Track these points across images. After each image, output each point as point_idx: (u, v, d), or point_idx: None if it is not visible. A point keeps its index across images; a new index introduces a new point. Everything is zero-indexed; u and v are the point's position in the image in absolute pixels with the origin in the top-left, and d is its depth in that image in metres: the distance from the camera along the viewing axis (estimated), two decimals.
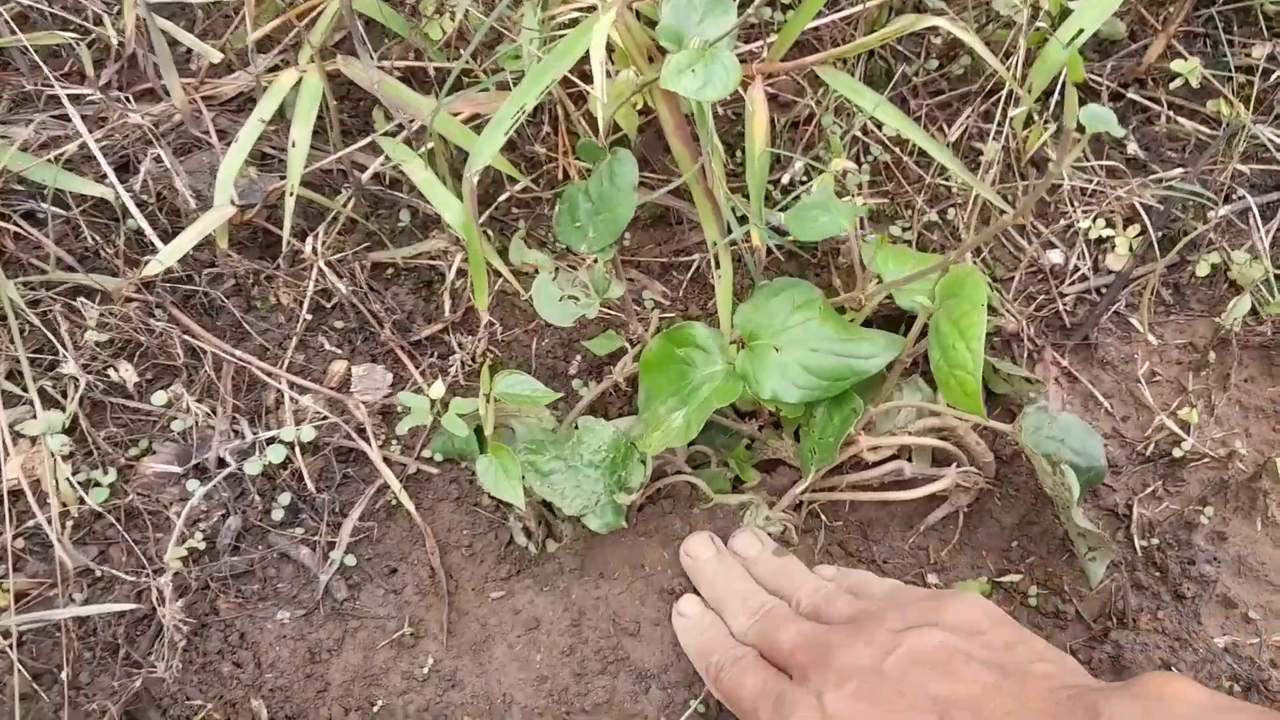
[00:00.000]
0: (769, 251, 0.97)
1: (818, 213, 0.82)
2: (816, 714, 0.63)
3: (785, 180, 0.99)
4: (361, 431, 0.88)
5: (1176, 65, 0.95)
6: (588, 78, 0.97)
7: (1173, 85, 0.97)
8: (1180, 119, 1.02)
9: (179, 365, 0.90)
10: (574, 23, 0.89)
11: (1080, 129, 0.59)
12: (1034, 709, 0.56)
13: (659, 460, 0.90)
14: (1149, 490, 0.88)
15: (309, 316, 0.94)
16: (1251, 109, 0.97)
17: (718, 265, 0.91)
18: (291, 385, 0.91)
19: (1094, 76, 1.03)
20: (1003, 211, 0.98)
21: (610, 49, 0.93)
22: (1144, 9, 1.07)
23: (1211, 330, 0.93)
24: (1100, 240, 0.96)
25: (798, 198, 0.98)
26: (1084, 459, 0.82)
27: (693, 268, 1.00)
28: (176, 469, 0.86)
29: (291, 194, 0.88)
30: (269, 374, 0.91)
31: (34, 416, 0.83)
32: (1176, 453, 0.87)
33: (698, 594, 0.82)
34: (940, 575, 0.87)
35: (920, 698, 0.60)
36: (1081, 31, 0.87)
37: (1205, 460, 0.88)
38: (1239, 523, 0.86)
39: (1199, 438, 0.89)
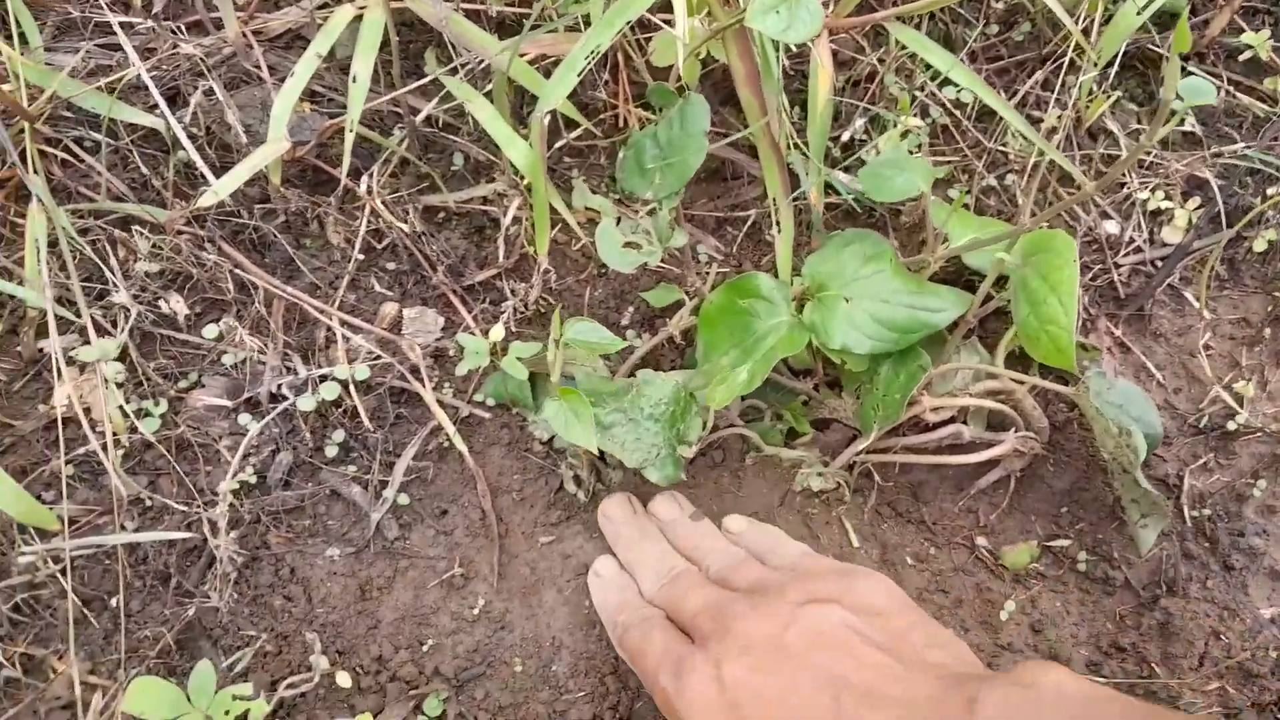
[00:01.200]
0: (828, 208, 0.97)
1: (892, 172, 0.81)
2: (713, 682, 0.64)
3: (845, 138, 0.98)
4: (415, 372, 0.88)
5: (1246, 37, 0.94)
6: (646, 28, 0.96)
7: (1241, 58, 0.97)
8: (1239, 94, 1.01)
9: (229, 300, 0.89)
10: None
11: (1178, 99, 0.59)
12: (920, 695, 0.58)
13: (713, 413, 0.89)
14: (1200, 462, 0.88)
15: (361, 256, 0.93)
16: None
17: (777, 220, 0.90)
18: (343, 324, 0.90)
19: (1153, 48, 1.02)
20: (1062, 178, 0.98)
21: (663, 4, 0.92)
22: None
23: (1266, 306, 0.93)
24: (1157, 213, 0.96)
25: (857, 156, 0.97)
26: (1142, 425, 0.82)
27: (748, 223, 0.99)
28: (227, 402, 0.85)
29: (352, 130, 0.87)
30: (321, 311, 0.90)
31: (87, 344, 0.82)
32: (1230, 426, 0.88)
33: (614, 555, 0.83)
34: (990, 538, 0.87)
35: (815, 675, 0.62)
36: (1151, 1, 0.86)
37: (1258, 434, 0.88)
38: None
39: (1252, 412, 0.89)
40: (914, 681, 0.60)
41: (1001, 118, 0.97)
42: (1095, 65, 0.89)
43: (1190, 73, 0.99)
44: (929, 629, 0.66)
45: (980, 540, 0.87)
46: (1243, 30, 0.98)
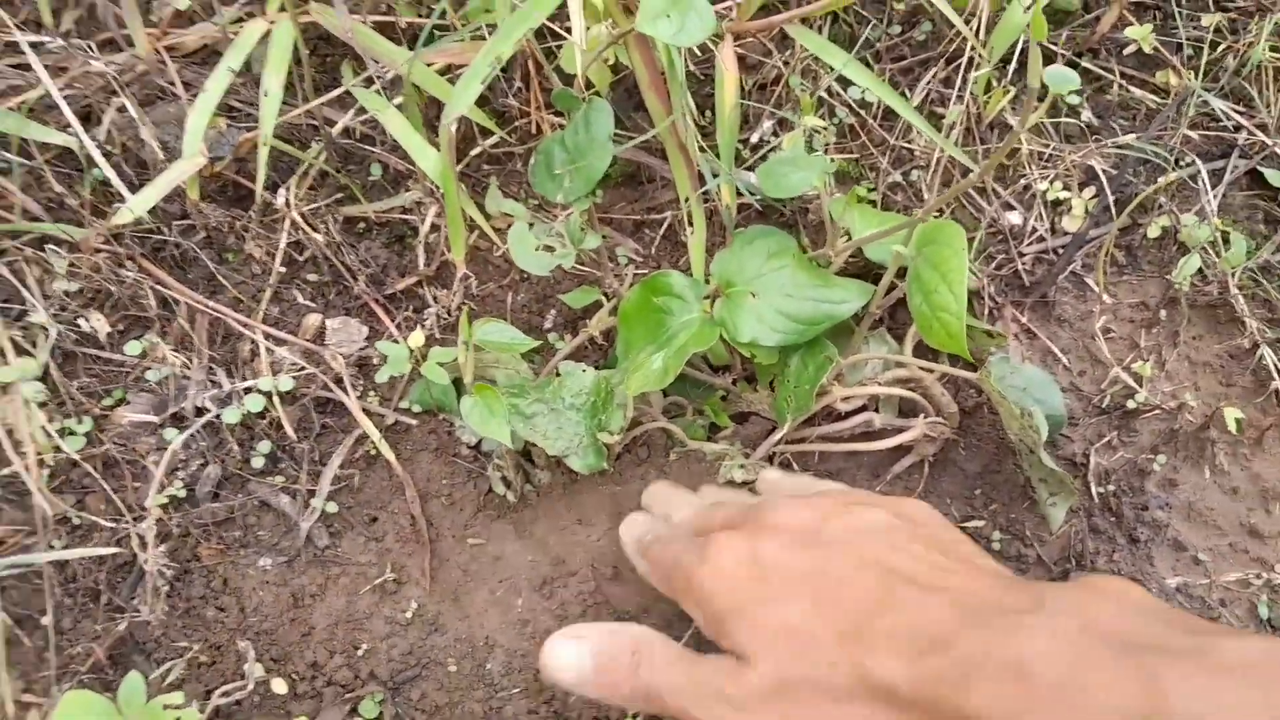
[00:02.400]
0: (740, 209, 0.99)
1: (788, 169, 0.84)
2: (741, 554, 0.59)
3: (754, 139, 1.01)
4: (339, 382, 0.89)
5: (1130, 31, 0.99)
6: (557, 35, 0.98)
7: (1126, 52, 1.01)
8: (1131, 88, 1.05)
9: (151, 316, 0.89)
10: None
11: (1044, 88, 0.62)
12: (980, 587, 0.54)
13: (635, 412, 0.92)
14: (1104, 440, 0.92)
15: (282, 269, 0.94)
16: (1200, 78, 1.01)
17: (690, 221, 0.93)
18: (267, 336, 0.91)
19: (1049, 45, 1.06)
20: (965, 173, 1.01)
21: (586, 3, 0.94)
22: None
23: (1162, 290, 0.97)
24: (1057, 203, 1.00)
25: (765, 156, 1.00)
26: (1046, 407, 0.85)
27: (664, 225, 1.01)
28: (153, 418, 0.86)
29: (265, 144, 0.88)
30: (244, 325, 0.90)
31: (6, 364, 0.82)
32: (1131, 404, 0.92)
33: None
34: None
35: (862, 556, 0.57)
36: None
37: (1157, 412, 0.92)
38: (1188, 470, 0.91)
39: (1151, 390, 0.93)
40: (971, 576, 0.55)
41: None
42: (989, 63, 0.92)
43: (1075, 65, 1.04)
44: (974, 546, 0.61)
45: None
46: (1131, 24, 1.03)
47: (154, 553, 0.79)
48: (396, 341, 0.89)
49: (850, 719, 0.52)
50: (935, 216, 0.99)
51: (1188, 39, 1.04)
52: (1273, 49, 1.02)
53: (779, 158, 0.88)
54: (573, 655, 0.65)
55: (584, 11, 0.93)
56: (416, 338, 0.83)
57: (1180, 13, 1.05)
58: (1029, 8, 0.87)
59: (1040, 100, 0.63)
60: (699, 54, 1.01)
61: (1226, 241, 0.94)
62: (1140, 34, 0.97)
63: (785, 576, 0.57)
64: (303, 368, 0.89)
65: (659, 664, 0.62)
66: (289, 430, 0.86)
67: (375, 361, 0.92)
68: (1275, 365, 0.92)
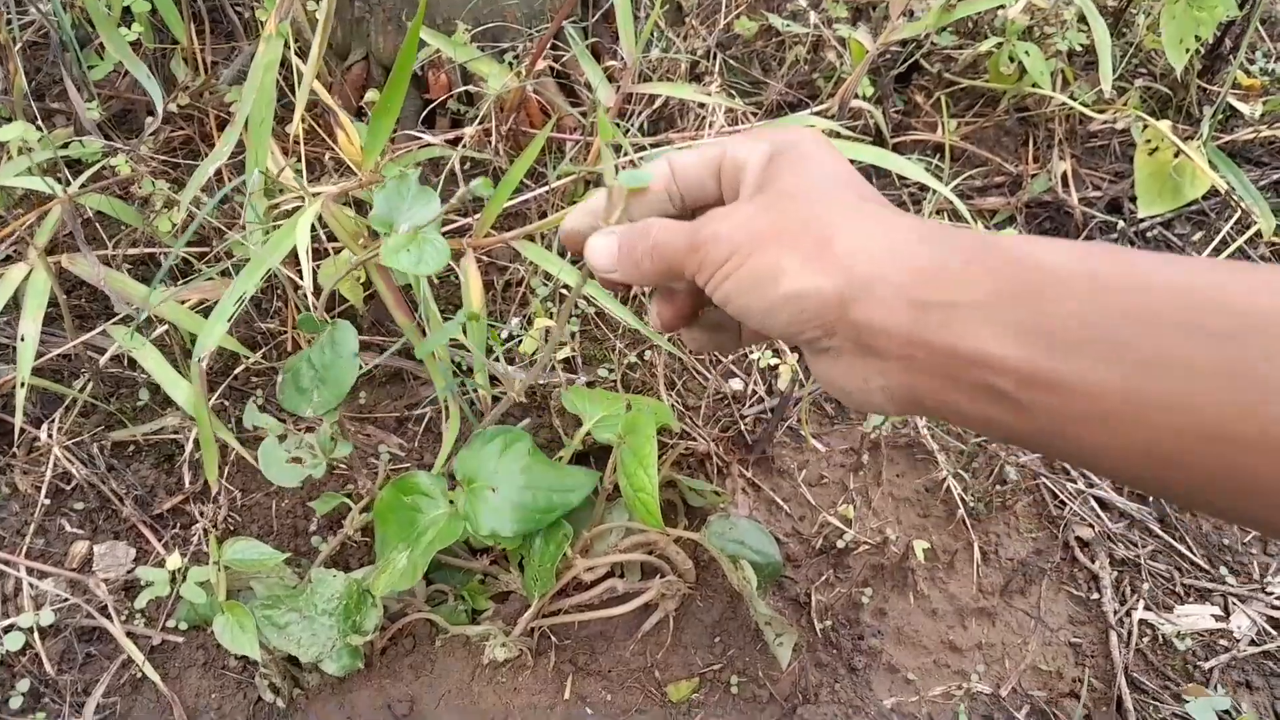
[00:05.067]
0: (495, 399, 1.09)
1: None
2: None
3: (503, 334, 1.12)
4: (103, 609, 0.92)
5: None
6: (316, 256, 1.08)
7: None
8: None
9: None
10: (296, 210, 0.99)
11: None
12: None
13: (400, 603, 0.98)
14: (823, 578, 1.04)
15: (47, 501, 0.97)
16: None
17: (448, 415, 1.02)
18: (30, 571, 0.93)
19: None
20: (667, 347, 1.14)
21: (331, 235, 1.05)
22: None
23: (866, 435, 1.11)
24: (772, 367, 1.13)
25: (515, 349, 1.11)
26: (762, 556, 0.96)
27: (425, 420, 1.10)
28: None
29: (22, 386, 0.92)
30: (6, 562, 0.93)
31: None
32: (840, 543, 1.04)
33: None
34: (661, 672, 0.99)
35: None
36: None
37: (865, 547, 1.04)
38: (896, 598, 1.03)
39: (859, 528, 1.06)
40: None
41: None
42: None
43: None
44: None
45: (657, 673, 0.98)
46: None
47: None
48: (160, 565, 0.94)
49: None
50: (666, 390, 1.11)
51: None
52: None
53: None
54: (604, 244, 0.53)
55: (334, 238, 1.03)
56: (174, 560, 0.88)
57: None
58: None
59: None
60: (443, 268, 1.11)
61: None
62: None
63: None
64: (66, 599, 0.92)
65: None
66: (48, 665, 0.88)
67: (141, 584, 0.95)
68: (959, 495, 1.07)
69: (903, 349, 0.39)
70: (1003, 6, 1.27)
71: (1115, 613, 1.04)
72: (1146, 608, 1.05)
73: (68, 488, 1.00)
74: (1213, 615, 1.06)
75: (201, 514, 1.00)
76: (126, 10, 1.14)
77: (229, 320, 0.87)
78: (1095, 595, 1.05)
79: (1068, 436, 0.36)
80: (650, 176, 0.50)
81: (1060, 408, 0.35)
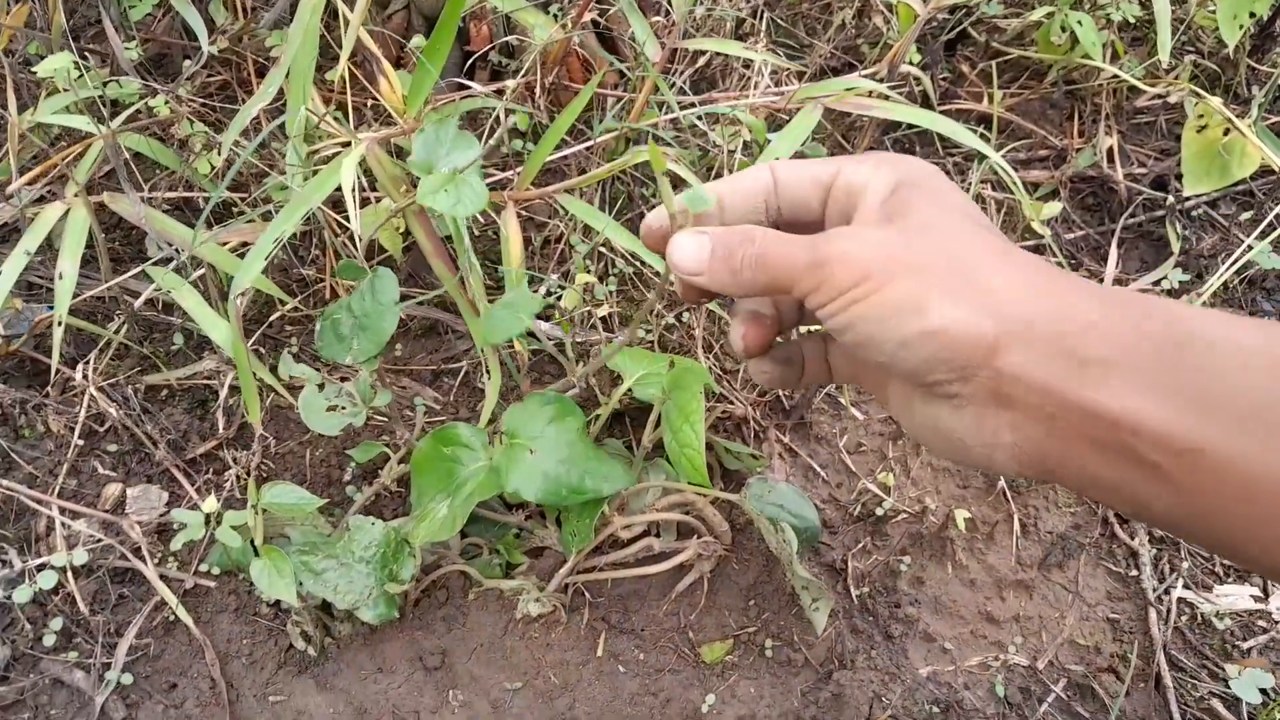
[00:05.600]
0: (534, 355, 1.08)
1: (504, 312, 0.90)
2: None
3: (542, 291, 1.10)
4: (137, 551, 0.91)
5: None
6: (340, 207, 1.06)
7: None
8: None
9: None
10: (335, 156, 0.98)
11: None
12: None
13: (434, 555, 0.97)
14: (860, 545, 1.02)
15: (81, 442, 0.97)
16: None
17: (488, 370, 1.01)
18: (63, 511, 0.93)
19: None
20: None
21: (372, 180, 1.03)
22: (840, 135, 1.27)
23: None
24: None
25: (554, 307, 1.09)
26: (800, 520, 0.95)
27: (461, 374, 1.09)
28: None
29: (60, 324, 0.91)
30: (39, 501, 0.92)
31: None
32: (879, 511, 1.02)
33: None
34: (695, 633, 0.98)
35: None
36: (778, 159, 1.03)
37: (904, 516, 1.03)
38: (934, 567, 1.02)
39: (898, 497, 1.04)
40: None
41: None
42: None
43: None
44: None
45: (691, 634, 0.97)
46: None
47: None
48: (194, 509, 0.93)
49: None
50: (704, 352, 1.10)
51: None
52: None
53: (500, 300, 0.93)
54: (693, 245, 0.50)
55: (372, 185, 1.02)
56: (211, 503, 0.87)
57: None
58: None
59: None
60: (482, 220, 1.10)
61: None
62: None
63: None
64: (99, 539, 0.91)
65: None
66: (81, 605, 0.88)
67: (175, 527, 0.95)
68: None
69: (1043, 402, 0.36)
70: None
71: (1154, 590, 1.03)
72: (1185, 586, 1.04)
73: (101, 429, 0.99)
74: (1251, 596, 1.05)
75: (235, 460, 0.99)
76: None
77: (267, 259, 0.86)
78: (1134, 572, 1.04)
79: (1212, 513, 0.34)
80: (713, 199, 0.46)
81: (1214, 484, 0.33)
